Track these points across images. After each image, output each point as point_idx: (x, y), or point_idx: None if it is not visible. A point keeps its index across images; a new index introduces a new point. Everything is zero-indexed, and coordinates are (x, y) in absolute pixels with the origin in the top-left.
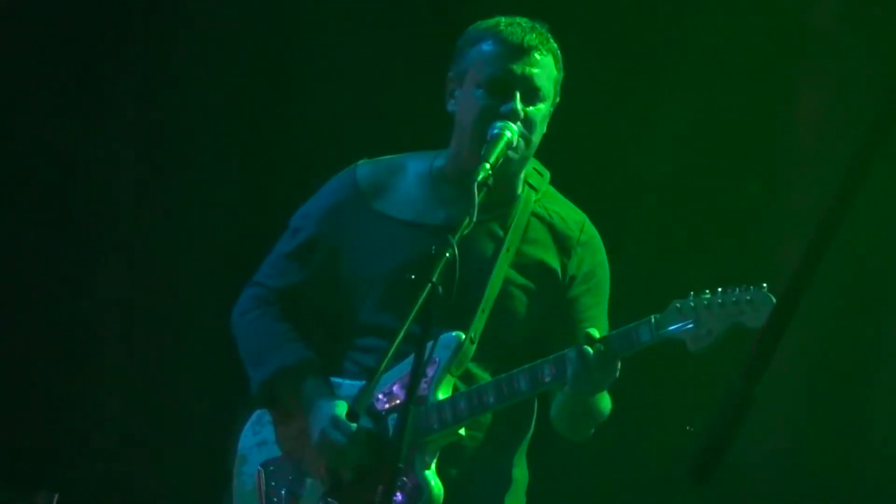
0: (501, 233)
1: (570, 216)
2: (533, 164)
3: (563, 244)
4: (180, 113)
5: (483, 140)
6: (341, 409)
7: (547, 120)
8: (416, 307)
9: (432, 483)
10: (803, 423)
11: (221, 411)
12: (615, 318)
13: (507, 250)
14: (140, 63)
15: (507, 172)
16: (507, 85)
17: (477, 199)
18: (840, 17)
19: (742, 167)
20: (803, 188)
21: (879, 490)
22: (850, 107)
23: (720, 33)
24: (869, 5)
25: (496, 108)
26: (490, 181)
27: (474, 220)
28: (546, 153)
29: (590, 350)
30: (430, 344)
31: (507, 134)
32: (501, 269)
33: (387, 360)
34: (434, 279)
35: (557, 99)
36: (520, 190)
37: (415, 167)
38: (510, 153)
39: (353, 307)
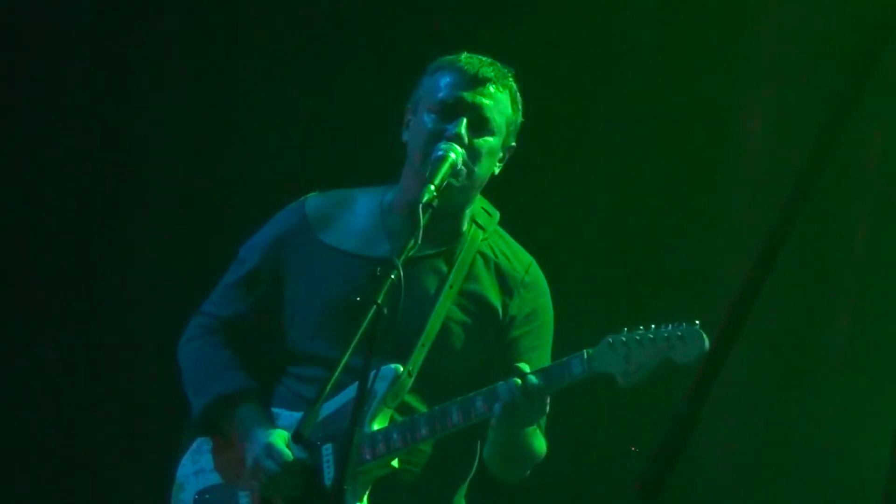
0: (445, 269)
1: (517, 257)
2: (482, 203)
3: (506, 284)
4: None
5: (423, 162)
6: (276, 437)
7: (496, 157)
8: (362, 328)
9: None
10: (753, 423)
11: (160, 432)
12: (555, 354)
13: (451, 287)
14: (88, 71)
15: (450, 204)
16: (455, 110)
17: (422, 221)
18: (785, 30)
19: (681, 198)
20: (744, 214)
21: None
22: (794, 128)
23: (657, 47)
24: (814, 17)
25: (444, 132)
26: (435, 203)
27: (419, 241)
28: (490, 192)
29: (519, 382)
30: (374, 370)
31: (452, 156)
32: (443, 306)
33: (332, 381)
34: (379, 301)
35: (512, 142)
36: (465, 227)
37: (364, 200)
38: (451, 179)
39: (292, 336)
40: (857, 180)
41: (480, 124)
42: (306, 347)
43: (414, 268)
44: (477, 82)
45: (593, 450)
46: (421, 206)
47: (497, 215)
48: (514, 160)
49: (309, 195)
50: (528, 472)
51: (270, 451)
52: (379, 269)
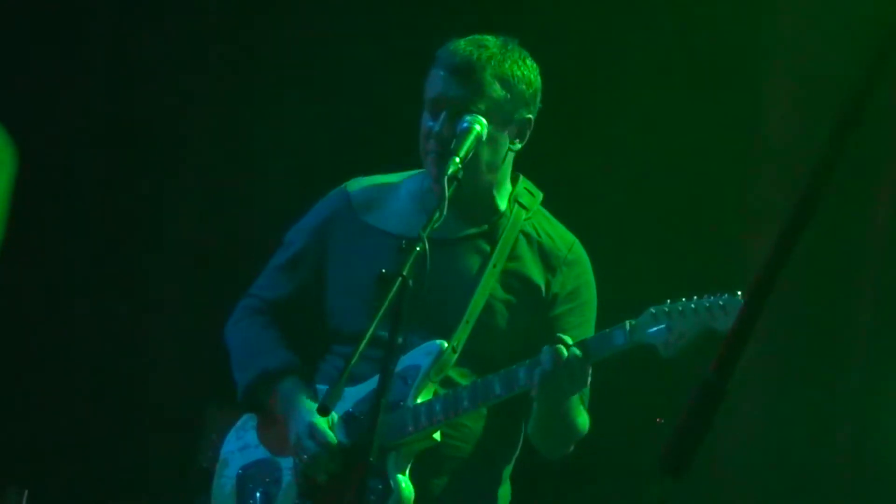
0: (488, 248)
1: (560, 236)
2: (525, 184)
3: (549, 262)
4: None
5: (424, 159)
6: (318, 417)
7: (500, 139)
8: (387, 301)
9: (403, 485)
10: (773, 416)
11: (191, 410)
12: (598, 329)
13: (494, 266)
14: (109, 61)
15: (475, 187)
16: (439, 106)
17: (447, 193)
18: (804, 15)
19: (712, 170)
20: (773, 185)
21: (850, 481)
22: (818, 103)
23: (684, 36)
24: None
25: (430, 130)
26: (460, 175)
27: (444, 213)
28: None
29: (563, 352)
30: (401, 341)
31: (477, 127)
32: (487, 284)
33: (358, 351)
34: (405, 273)
35: (524, 115)
36: (505, 206)
37: (407, 184)
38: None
39: (340, 316)
40: (878, 163)
41: (462, 115)
42: (353, 327)
43: (457, 247)
44: (455, 73)
45: (628, 424)
46: (446, 178)
47: (540, 196)
48: (554, 143)
49: (351, 180)
50: (572, 447)
51: (312, 430)
52: (404, 241)
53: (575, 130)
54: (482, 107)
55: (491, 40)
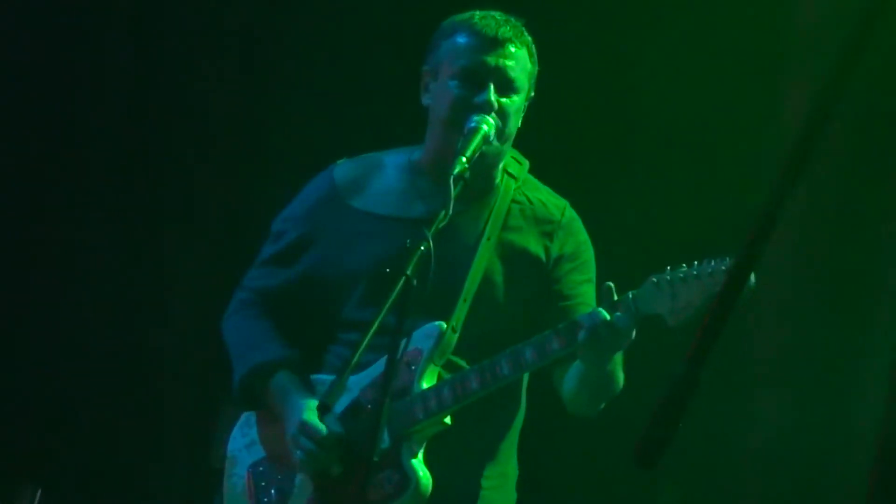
0: (482, 222)
1: (551, 201)
2: (511, 153)
3: (544, 229)
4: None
5: (456, 129)
6: (310, 413)
7: (521, 112)
8: (391, 300)
9: (420, 474)
10: (788, 422)
11: (206, 407)
12: None
13: (488, 239)
14: (119, 56)
15: (483, 165)
16: (480, 76)
17: (453, 193)
18: (826, 14)
19: (719, 144)
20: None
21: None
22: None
23: (705, 19)
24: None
25: (470, 98)
26: (466, 174)
27: (450, 213)
28: (522, 141)
29: (603, 313)
30: (405, 339)
31: (485, 127)
32: (482, 259)
33: (359, 352)
34: (409, 272)
35: (532, 93)
36: (498, 179)
37: (392, 162)
38: (485, 147)
39: (336, 304)
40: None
41: (505, 86)
42: (355, 315)
43: (450, 225)
44: (497, 44)
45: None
46: (452, 178)
47: (527, 163)
48: (541, 109)
49: (337, 163)
50: (604, 404)
51: (305, 428)
52: (409, 241)
53: (562, 95)
54: (522, 78)
55: (504, 15)
